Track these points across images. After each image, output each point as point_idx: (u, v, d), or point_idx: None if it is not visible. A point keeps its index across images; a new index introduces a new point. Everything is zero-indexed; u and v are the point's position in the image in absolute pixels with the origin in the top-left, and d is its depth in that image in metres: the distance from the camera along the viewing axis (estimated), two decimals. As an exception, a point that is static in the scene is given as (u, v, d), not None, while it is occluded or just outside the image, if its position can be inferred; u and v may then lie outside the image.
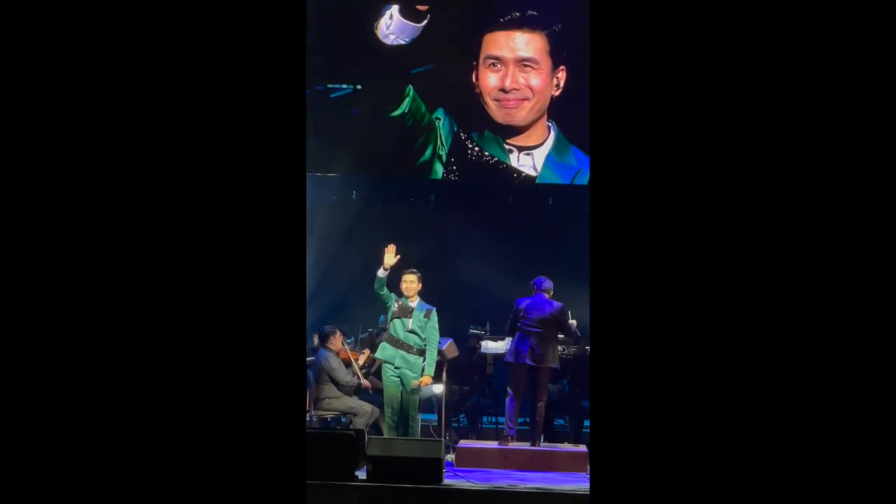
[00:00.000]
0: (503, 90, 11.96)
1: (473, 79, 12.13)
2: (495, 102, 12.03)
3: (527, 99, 12.00)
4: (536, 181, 12.26)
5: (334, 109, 12.20)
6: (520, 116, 12.06)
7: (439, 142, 12.19)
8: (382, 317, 10.30)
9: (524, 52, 11.97)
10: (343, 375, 9.89)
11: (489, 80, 12.03)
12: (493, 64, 12.02)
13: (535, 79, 11.99)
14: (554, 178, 12.27)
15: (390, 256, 8.90)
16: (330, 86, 12.25)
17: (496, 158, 12.07)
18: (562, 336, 9.88)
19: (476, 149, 12.11)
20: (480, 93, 12.10)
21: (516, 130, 12.13)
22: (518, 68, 11.97)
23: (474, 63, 12.10)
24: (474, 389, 11.02)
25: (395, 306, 9.20)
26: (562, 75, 11.99)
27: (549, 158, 12.17)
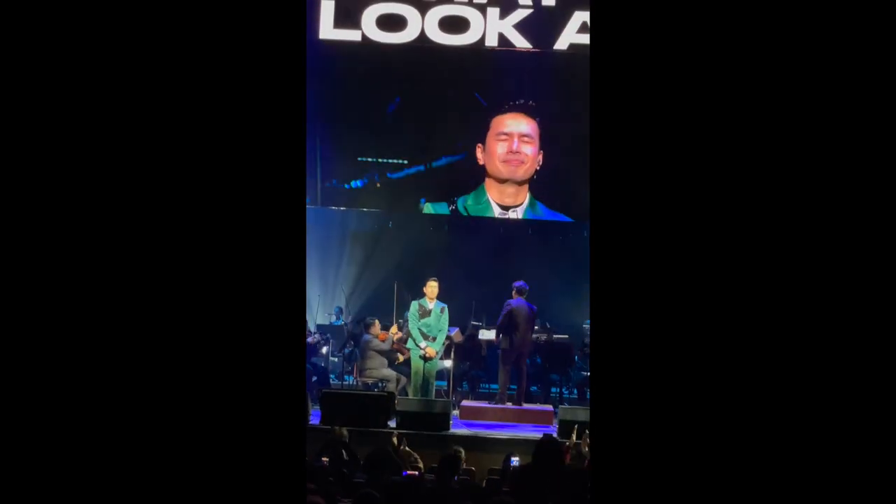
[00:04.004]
0: (511, 152, 14.10)
1: (478, 153, 14.24)
2: (503, 163, 14.15)
3: (524, 162, 14.19)
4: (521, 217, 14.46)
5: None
6: (520, 173, 14.20)
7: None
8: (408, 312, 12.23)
9: (525, 129, 14.18)
10: (385, 347, 11.55)
11: (499, 147, 14.16)
12: (502, 137, 14.18)
13: (530, 149, 14.19)
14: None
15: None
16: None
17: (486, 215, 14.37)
18: (536, 327, 12.05)
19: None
20: (486, 161, 14.17)
21: (512, 185, 14.33)
22: (520, 140, 14.15)
23: (479, 145, 14.26)
24: (473, 364, 12.77)
25: (419, 311, 11.13)
26: (540, 157, 14.20)
27: (526, 212, 14.37)
